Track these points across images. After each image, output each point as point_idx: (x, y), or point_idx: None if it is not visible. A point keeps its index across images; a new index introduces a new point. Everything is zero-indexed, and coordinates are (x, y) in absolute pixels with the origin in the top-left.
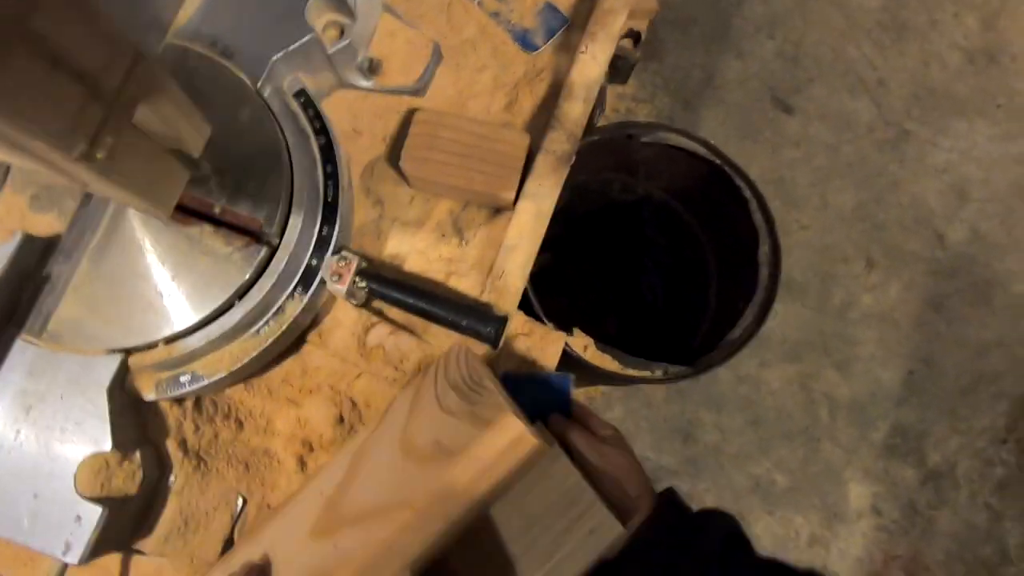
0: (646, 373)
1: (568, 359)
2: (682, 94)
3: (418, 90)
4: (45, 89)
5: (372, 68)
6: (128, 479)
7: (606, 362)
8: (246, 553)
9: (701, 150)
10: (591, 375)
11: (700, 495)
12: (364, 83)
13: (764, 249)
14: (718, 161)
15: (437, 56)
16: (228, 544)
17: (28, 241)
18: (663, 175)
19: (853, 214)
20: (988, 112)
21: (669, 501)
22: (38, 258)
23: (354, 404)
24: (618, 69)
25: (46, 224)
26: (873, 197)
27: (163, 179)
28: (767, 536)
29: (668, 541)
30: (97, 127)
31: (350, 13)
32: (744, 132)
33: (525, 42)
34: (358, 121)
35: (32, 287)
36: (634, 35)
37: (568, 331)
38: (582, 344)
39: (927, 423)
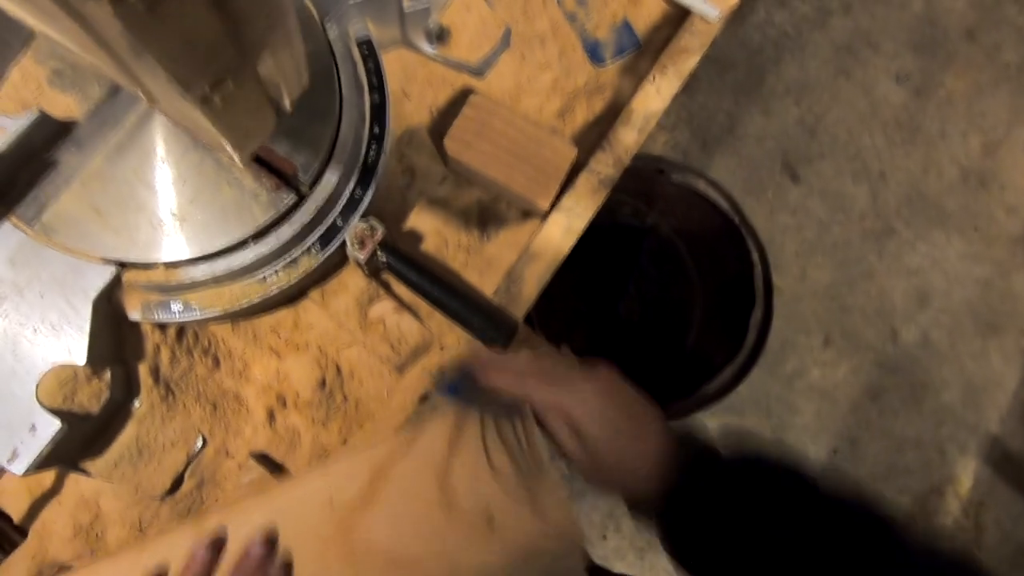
0: None
1: None
2: (702, 134)
3: (479, 71)
4: (197, 26)
5: (440, 36)
6: (93, 397)
7: None
8: (223, 523)
9: (723, 204)
10: None
11: (619, 518)
12: (428, 49)
13: (757, 315)
14: (736, 220)
15: (506, 41)
16: (178, 482)
17: (44, 120)
18: (677, 215)
19: (825, 291)
20: (966, 231)
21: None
22: (48, 140)
23: (339, 371)
24: None
25: (64, 105)
26: (847, 280)
27: (256, 126)
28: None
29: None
30: (223, 72)
31: None
32: (749, 187)
33: (594, 53)
34: (409, 84)
35: (33, 170)
36: None
37: (556, 344)
38: None
39: None
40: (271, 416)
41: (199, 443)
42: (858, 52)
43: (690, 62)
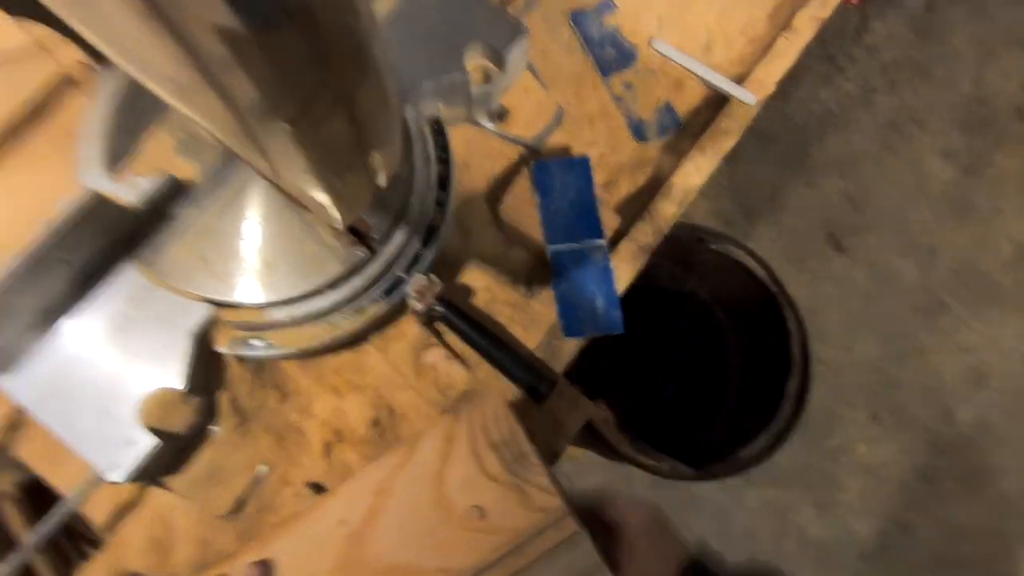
0: (652, 463)
1: (588, 427)
2: (744, 203)
3: (534, 146)
4: (338, 136)
5: (500, 115)
6: (183, 420)
7: (620, 441)
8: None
9: (761, 273)
10: (602, 447)
11: None
12: (488, 125)
13: (793, 383)
14: (774, 289)
15: (559, 120)
16: (240, 505)
17: (171, 182)
18: (715, 281)
19: (871, 365)
20: (1023, 311)
21: None
22: (171, 198)
23: (391, 412)
24: None
25: (186, 170)
26: (895, 355)
27: (359, 201)
28: None
29: None
30: (346, 167)
31: (502, 65)
32: (791, 256)
33: (638, 131)
34: (470, 156)
35: (156, 222)
36: None
37: (593, 399)
38: (603, 417)
39: None
40: (327, 449)
41: (263, 470)
42: (903, 129)
43: (728, 143)
